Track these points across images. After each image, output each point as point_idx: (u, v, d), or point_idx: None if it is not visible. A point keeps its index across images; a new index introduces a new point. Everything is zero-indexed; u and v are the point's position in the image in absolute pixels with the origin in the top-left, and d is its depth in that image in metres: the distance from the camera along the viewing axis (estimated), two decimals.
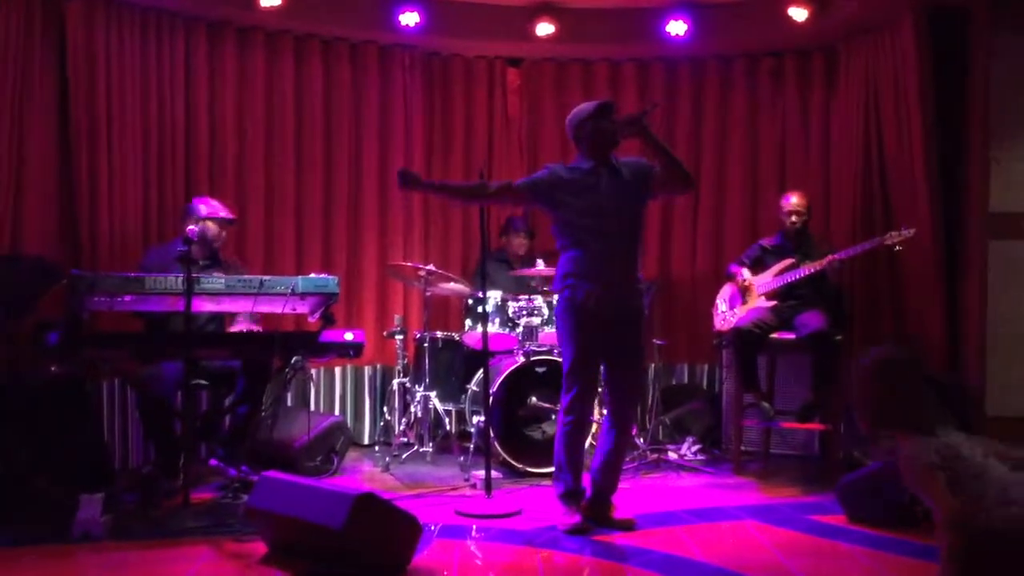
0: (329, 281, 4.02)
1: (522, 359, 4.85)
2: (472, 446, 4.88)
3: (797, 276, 4.85)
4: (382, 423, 5.61)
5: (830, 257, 4.73)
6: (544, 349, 4.92)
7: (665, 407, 5.57)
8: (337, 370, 5.77)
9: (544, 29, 5.59)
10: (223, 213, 4.60)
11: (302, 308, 4.14)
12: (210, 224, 4.53)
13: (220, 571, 3.26)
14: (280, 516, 3.23)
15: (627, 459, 4.37)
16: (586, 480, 3.90)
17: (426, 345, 5.10)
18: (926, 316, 4.98)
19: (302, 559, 3.23)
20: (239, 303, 4.06)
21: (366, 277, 5.77)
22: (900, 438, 2.74)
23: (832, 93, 5.73)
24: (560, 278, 3.82)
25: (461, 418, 5.36)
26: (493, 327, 4.97)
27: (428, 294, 5.19)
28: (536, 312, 5.03)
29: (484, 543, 3.60)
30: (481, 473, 4.22)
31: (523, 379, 4.85)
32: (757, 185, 5.96)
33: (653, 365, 5.61)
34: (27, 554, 3.41)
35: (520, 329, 5.00)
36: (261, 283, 3.94)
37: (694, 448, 5.32)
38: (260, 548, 3.38)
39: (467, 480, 4.60)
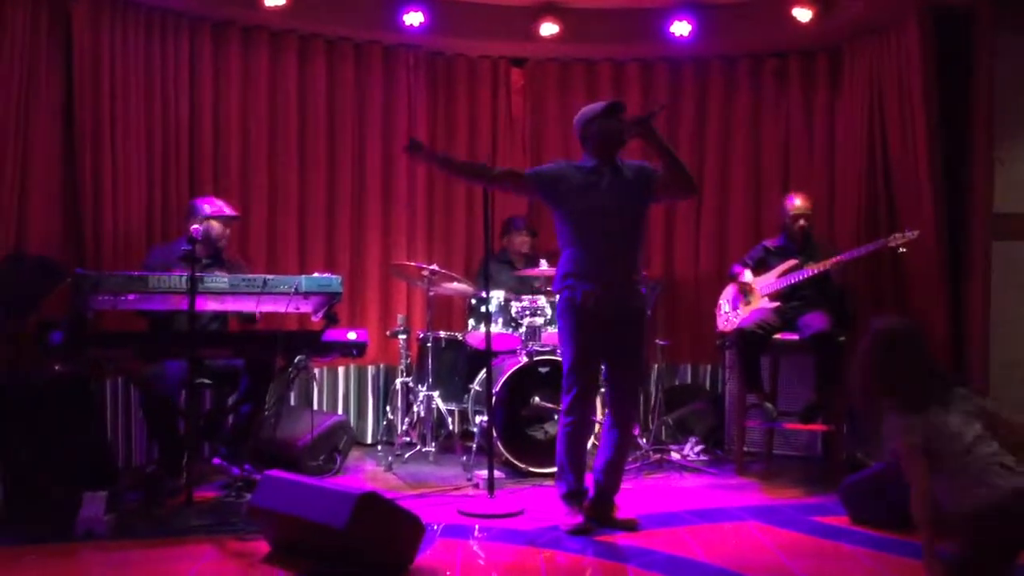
0: (332, 280, 4.02)
1: (525, 359, 4.85)
2: (475, 446, 4.88)
3: (801, 277, 4.84)
4: (385, 423, 5.62)
5: (835, 259, 4.73)
6: (547, 349, 4.92)
7: (668, 407, 5.57)
8: (340, 369, 5.78)
9: (548, 29, 5.60)
10: (227, 211, 4.61)
11: (305, 307, 4.15)
12: (214, 223, 4.54)
13: (223, 570, 3.26)
14: (283, 515, 3.23)
15: (630, 459, 4.37)
16: (589, 480, 3.90)
17: (429, 345, 5.11)
18: (930, 317, 4.97)
19: (305, 558, 3.24)
20: (243, 302, 4.07)
21: (369, 277, 5.78)
22: (890, 409, 2.77)
23: (836, 94, 5.72)
24: (560, 278, 3.82)
25: (464, 418, 5.36)
26: (496, 327, 4.97)
27: (431, 294, 5.20)
28: (539, 312, 5.03)
29: (486, 543, 3.60)
30: (484, 473, 4.22)
31: (526, 379, 4.85)
32: (761, 186, 5.95)
33: (656, 365, 5.61)
34: (30, 552, 3.42)
35: (523, 329, 5.01)
36: (265, 282, 3.95)
37: (697, 449, 5.32)
38: (263, 547, 3.39)
39: (470, 480, 4.60)
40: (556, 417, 4.73)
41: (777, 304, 4.92)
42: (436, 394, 5.09)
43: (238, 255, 5.02)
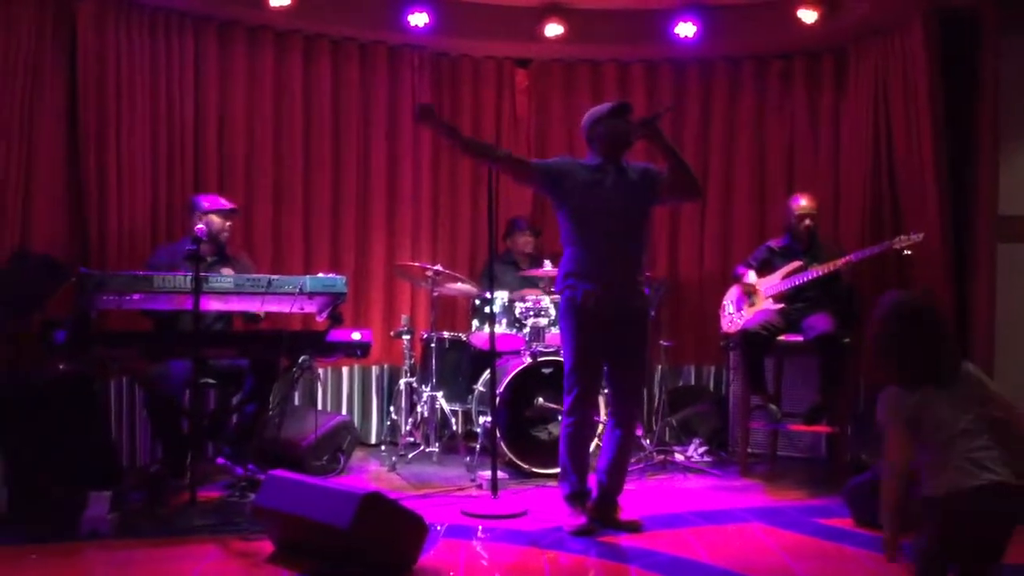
0: (337, 281, 4.03)
1: (529, 360, 4.86)
2: (478, 446, 4.88)
3: (805, 279, 4.84)
4: (389, 423, 5.62)
5: (843, 260, 4.72)
6: (551, 350, 4.92)
7: (672, 409, 5.56)
8: (344, 370, 5.79)
9: (553, 30, 5.60)
10: (224, 203, 4.63)
11: (310, 307, 4.15)
12: (214, 217, 4.56)
13: (226, 569, 3.26)
14: (287, 515, 3.24)
15: (633, 460, 4.37)
16: (592, 481, 3.90)
17: (433, 345, 5.11)
18: None
19: (308, 558, 3.24)
20: (247, 302, 4.08)
21: (374, 277, 5.78)
22: (889, 380, 2.79)
23: (841, 95, 5.71)
24: (561, 278, 3.82)
25: (468, 418, 5.37)
26: (500, 328, 4.97)
27: (435, 294, 5.20)
28: (543, 313, 5.04)
29: (490, 543, 3.60)
30: (487, 473, 4.21)
31: (530, 380, 4.85)
32: (765, 187, 5.95)
33: (660, 367, 5.60)
34: (34, 552, 3.42)
35: (527, 330, 5.01)
36: (269, 282, 3.95)
37: (700, 450, 5.32)
38: (267, 547, 3.39)
39: (473, 480, 4.60)
40: (559, 418, 4.74)
41: (781, 305, 4.91)
42: (440, 394, 5.09)
43: (242, 251, 5.03)
